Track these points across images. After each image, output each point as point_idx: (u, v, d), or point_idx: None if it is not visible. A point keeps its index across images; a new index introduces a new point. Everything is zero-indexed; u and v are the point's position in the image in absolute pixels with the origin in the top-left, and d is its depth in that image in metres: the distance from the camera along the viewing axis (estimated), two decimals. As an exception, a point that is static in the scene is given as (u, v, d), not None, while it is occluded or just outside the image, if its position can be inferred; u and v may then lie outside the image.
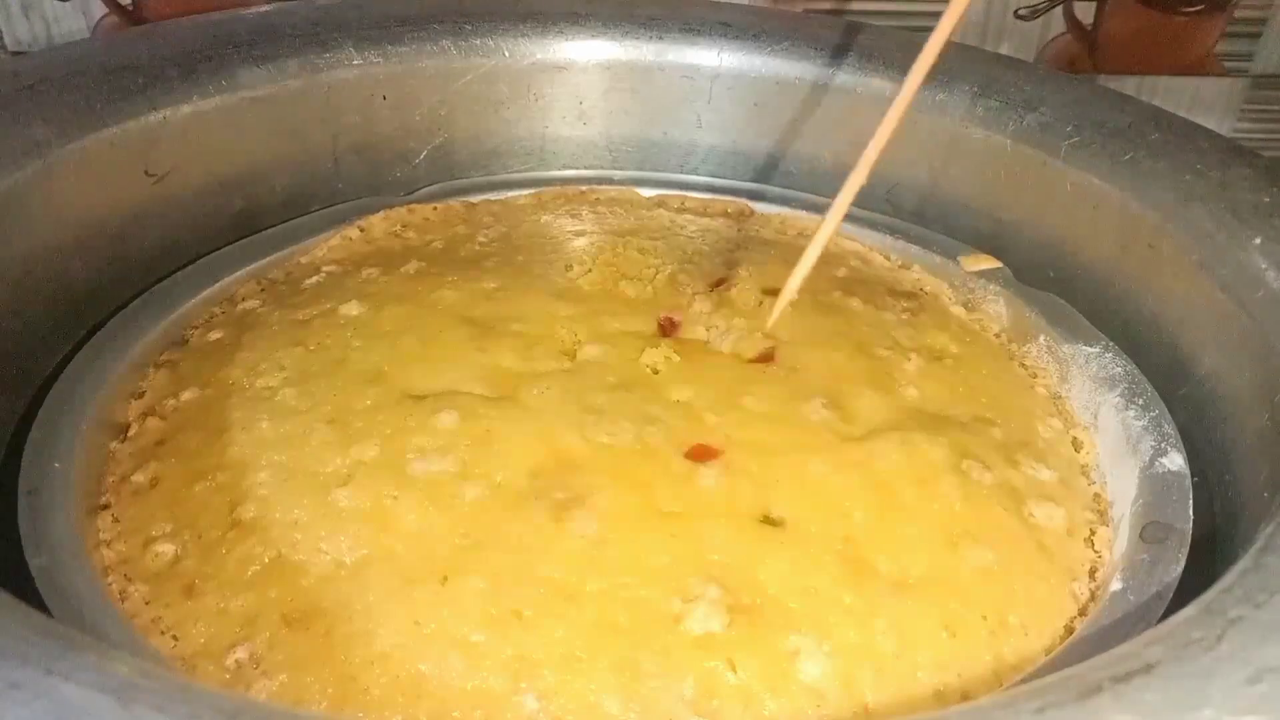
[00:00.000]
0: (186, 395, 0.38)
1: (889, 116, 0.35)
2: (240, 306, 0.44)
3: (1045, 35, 0.73)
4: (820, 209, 0.52)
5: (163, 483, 0.35)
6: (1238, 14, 0.72)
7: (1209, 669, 0.22)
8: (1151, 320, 0.43)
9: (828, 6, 0.69)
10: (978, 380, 0.41)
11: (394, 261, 0.46)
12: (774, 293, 0.44)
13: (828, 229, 0.38)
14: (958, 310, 0.47)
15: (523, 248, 0.47)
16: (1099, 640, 0.30)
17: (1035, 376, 0.43)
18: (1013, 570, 0.33)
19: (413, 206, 0.51)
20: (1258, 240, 0.38)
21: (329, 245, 0.48)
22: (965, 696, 0.30)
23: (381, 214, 0.50)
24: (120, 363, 0.39)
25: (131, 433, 0.37)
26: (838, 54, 0.53)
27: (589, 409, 0.36)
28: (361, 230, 0.49)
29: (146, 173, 0.45)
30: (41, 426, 0.35)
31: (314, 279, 0.45)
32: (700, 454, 0.35)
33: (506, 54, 0.54)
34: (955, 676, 0.30)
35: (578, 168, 0.57)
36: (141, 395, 0.39)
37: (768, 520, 0.33)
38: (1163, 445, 0.37)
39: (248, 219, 0.49)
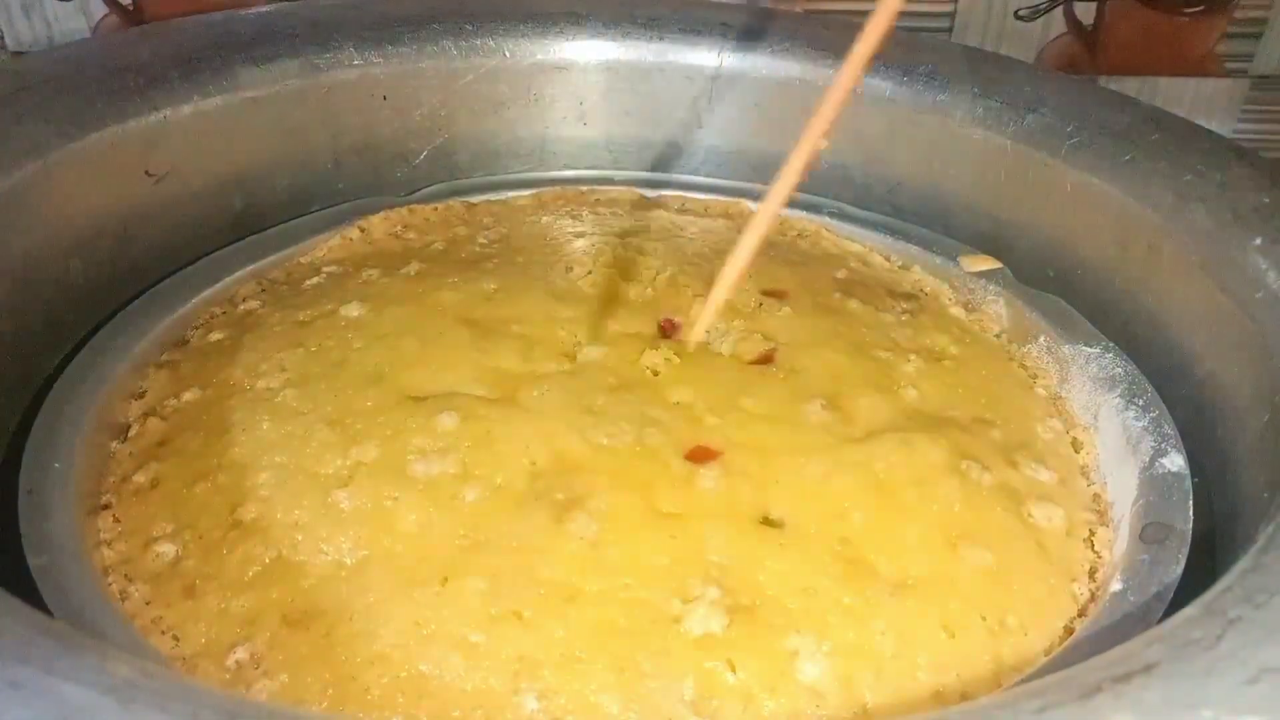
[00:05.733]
0: (187, 396, 0.38)
1: (821, 112, 0.32)
2: (241, 307, 0.44)
3: (1046, 36, 0.73)
4: (820, 209, 0.53)
5: (163, 483, 0.35)
6: (1238, 14, 0.72)
7: (1209, 669, 0.22)
8: (1151, 320, 0.43)
9: (828, 6, 0.69)
10: (977, 381, 0.41)
11: (394, 262, 0.46)
12: (774, 294, 0.44)
13: (755, 234, 0.33)
14: (957, 311, 0.47)
15: (523, 249, 0.47)
16: (1099, 641, 0.30)
17: (1035, 377, 0.43)
18: (1012, 571, 0.33)
19: (413, 207, 0.51)
20: (1258, 241, 0.38)
21: (329, 245, 0.48)
22: (964, 697, 0.30)
23: (382, 214, 0.50)
24: (121, 363, 0.39)
25: (132, 433, 0.37)
26: (838, 54, 0.53)
27: (589, 410, 0.36)
28: (362, 230, 0.49)
29: (146, 173, 0.45)
30: (41, 426, 0.35)
31: (314, 279, 0.45)
32: (700, 455, 0.35)
33: (507, 54, 0.54)
34: (954, 677, 0.30)
35: (578, 168, 0.57)
36: (142, 395, 0.39)
37: (767, 521, 0.33)
38: (1163, 446, 0.37)
39: (248, 219, 0.49)
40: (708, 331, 0.42)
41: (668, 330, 0.42)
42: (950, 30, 0.71)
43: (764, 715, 0.29)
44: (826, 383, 0.39)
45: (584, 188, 0.55)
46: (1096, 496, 0.38)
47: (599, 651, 0.29)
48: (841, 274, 0.47)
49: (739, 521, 0.33)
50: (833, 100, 0.31)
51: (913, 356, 0.41)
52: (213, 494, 0.34)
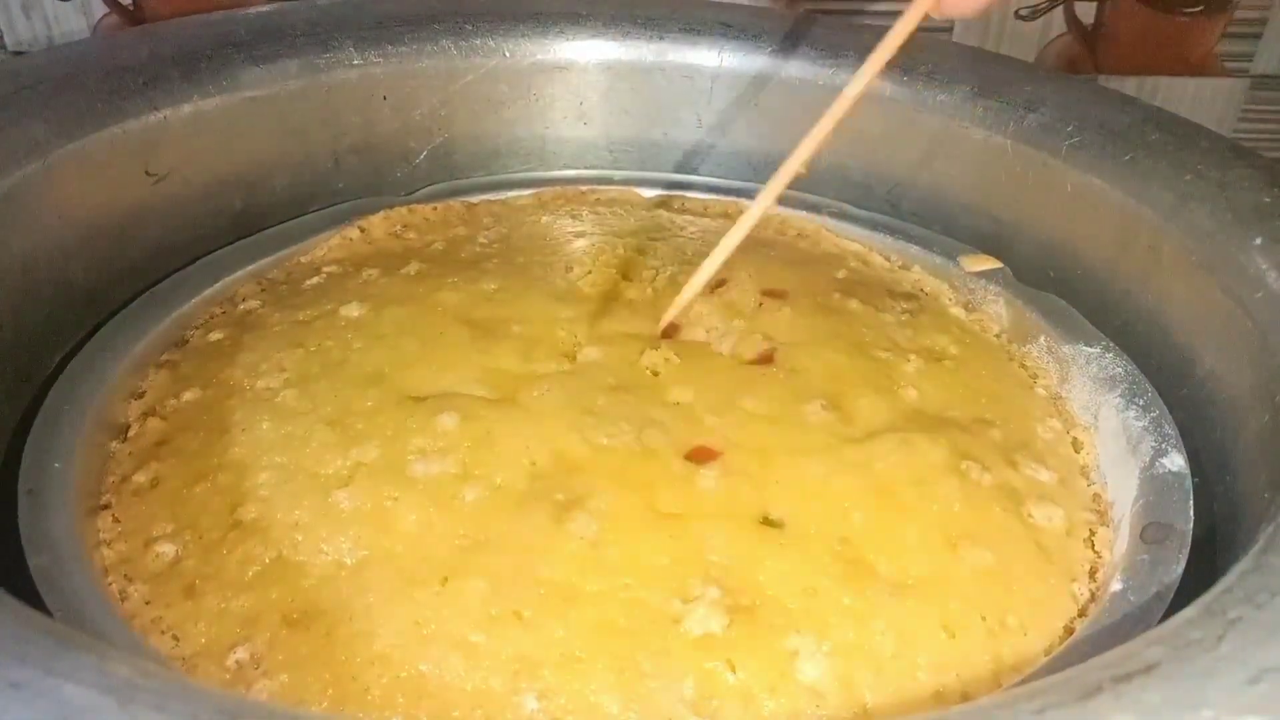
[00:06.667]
0: (187, 396, 0.38)
1: (834, 108, 0.35)
2: (241, 307, 0.44)
3: (1046, 35, 0.73)
4: (819, 210, 0.53)
5: (163, 483, 0.35)
6: (1238, 14, 0.72)
7: (1209, 669, 0.22)
8: (1151, 320, 0.43)
9: (828, 6, 0.69)
10: (977, 381, 0.41)
11: (394, 262, 0.46)
12: (774, 294, 0.44)
13: (746, 223, 0.38)
14: (957, 311, 0.47)
15: (523, 249, 0.47)
16: (1099, 641, 0.30)
17: (1035, 377, 0.43)
18: (1012, 571, 0.33)
19: (413, 207, 0.51)
20: (1258, 240, 0.38)
21: (329, 245, 0.48)
22: (964, 697, 0.30)
23: (382, 214, 0.50)
24: (120, 363, 0.39)
25: (132, 433, 0.37)
26: (837, 54, 0.53)
27: (589, 411, 0.36)
28: (362, 230, 0.49)
29: (147, 173, 0.45)
30: (41, 426, 0.35)
31: (314, 279, 0.45)
32: (700, 455, 0.35)
33: (507, 54, 0.54)
34: (954, 677, 0.30)
35: (578, 168, 0.57)
36: (142, 395, 0.39)
37: (767, 521, 0.33)
38: (1163, 446, 0.37)
39: (248, 219, 0.49)
40: (707, 331, 0.42)
41: (667, 330, 0.42)
42: (950, 30, 0.71)
43: (764, 715, 0.29)
44: (826, 383, 0.39)
45: (584, 188, 0.55)
46: (1096, 496, 0.38)
47: (599, 651, 0.29)
48: (841, 274, 0.47)
49: (739, 521, 0.33)
50: (838, 107, 0.33)
51: (913, 356, 0.41)
52: (213, 494, 0.34)
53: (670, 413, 0.37)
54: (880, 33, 0.55)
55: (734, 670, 0.29)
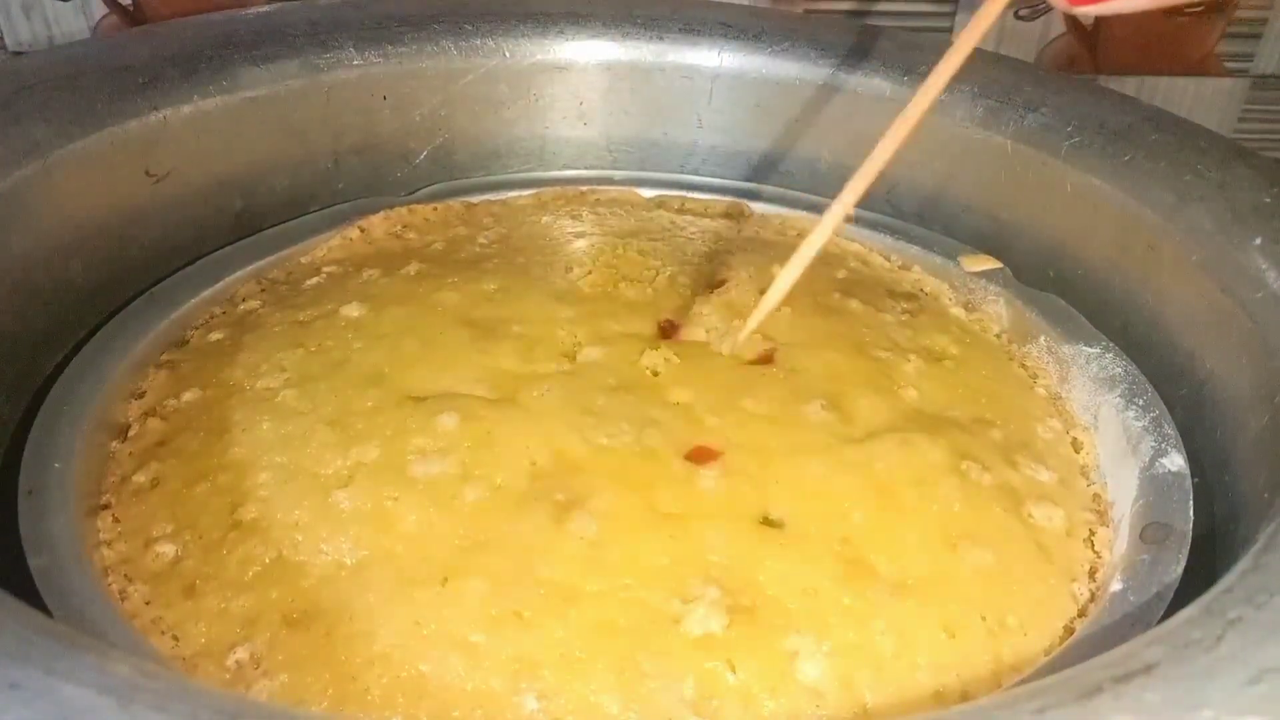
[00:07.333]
0: (187, 396, 0.38)
1: (897, 127, 0.34)
2: (241, 307, 0.44)
3: (1046, 35, 0.73)
4: (820, 210, 0.52)
5: (163, 483, 0.35)
6: (1238, 14, 0.72)
7: (1209, 669, 0.22)
8: (1151, 320, 0.43)
9: (828, 7, 0.69)
10: (977, 381, 0.41)
11: (394, 262, 0.46)
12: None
13: (818, 241, 0.37)
14: (957, 311, 0.47)
15: (523, 249, 0.47)
16: (1099, 641, 0.30)
17: (1035, 377, 0.43)
18: (1012, 571, 0.33)
19: (413, 207, 0.51)
20: (1258, 240, 0.38)
21: (329, 245, 0.48)
22: (964, 697, 0.30)
23: (382, 214, 0.50)
24: (120, 363, 0.39)
25: (132, 433, 0.37)
26: (838, 54, 0.53)
27: (589, 411, 0.36)
28: (362, 230, 0.49)
29: (147, 173, 0.45)
30: (41, 426, 0.35)
31: (314, 280, 0.45)
32: (700, 455, 0.35)
33: (507, 54, 0.54)
34: (954, 677, 0.30)
35: (578, 168, 0.57)
36: (142, 395, 0.39)
37: (767, 521, 0.33)
38: (1163, 446, 0.37)
39: (248, 219, 0.49)
40: (707, 331, 0.42)
41: (667, 330, 0.42)
42: (950, 30, 0.71)
43: (764, 715, 0.29)
44: (826, 383, 0.39)
45: (584, 188, 0.55)
46: (1096, 496, 0.38)
47: (599, 651, 0.29)
48: (841, 274, 0.47)
49: (739, 521, 0.33)
50: (907, 122, 0.33)
51: (913, 356, 0.41)
52: (213, 494, 0.34)
53: (670, 413, 0.37)
54: (879, 32, 0.55)
55: (734, 670, 0.29)
